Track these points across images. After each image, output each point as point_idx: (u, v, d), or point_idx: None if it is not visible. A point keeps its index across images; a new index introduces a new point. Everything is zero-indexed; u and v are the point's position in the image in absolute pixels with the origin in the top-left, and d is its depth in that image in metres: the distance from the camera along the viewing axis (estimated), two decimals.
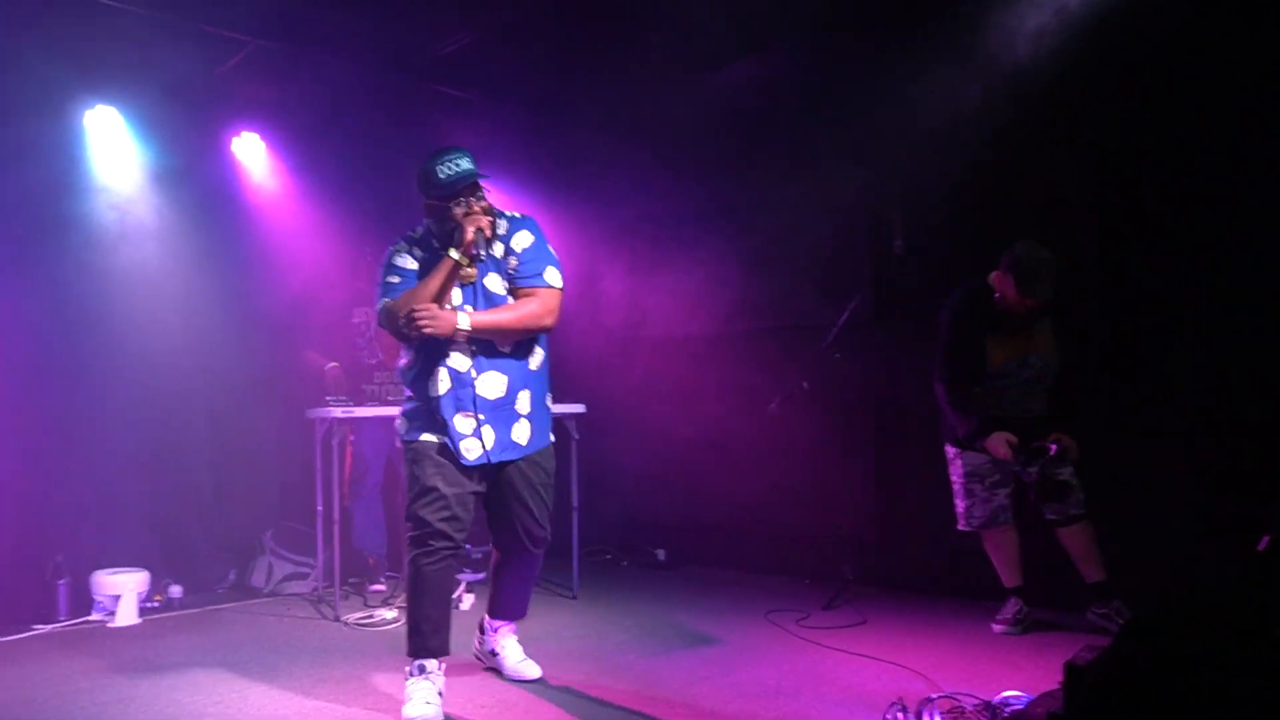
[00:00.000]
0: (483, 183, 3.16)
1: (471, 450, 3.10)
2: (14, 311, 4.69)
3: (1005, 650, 3.73)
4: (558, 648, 3.95)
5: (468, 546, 5.77)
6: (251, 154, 5.72)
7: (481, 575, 5.30)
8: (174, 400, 5.36)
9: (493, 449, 3.13)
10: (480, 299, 3.13)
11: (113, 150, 5.17)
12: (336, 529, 4.54)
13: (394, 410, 4.63)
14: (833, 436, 5.13)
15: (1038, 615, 4.04)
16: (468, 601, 4.76)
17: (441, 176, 3.06)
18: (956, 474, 4.09)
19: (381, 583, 5.17)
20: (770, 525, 5.53)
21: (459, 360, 3.10)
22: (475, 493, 3.16)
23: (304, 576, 5.26)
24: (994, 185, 4.54)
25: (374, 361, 5.17)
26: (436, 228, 3.16)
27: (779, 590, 5.00)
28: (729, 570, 5.63)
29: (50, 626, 4.51)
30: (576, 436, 4.92)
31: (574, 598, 4.94)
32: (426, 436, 3.12)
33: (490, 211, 3.15)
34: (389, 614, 4.53)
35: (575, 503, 4.97)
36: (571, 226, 6.20)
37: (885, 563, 4.97)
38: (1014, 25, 4.42)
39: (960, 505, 4.09)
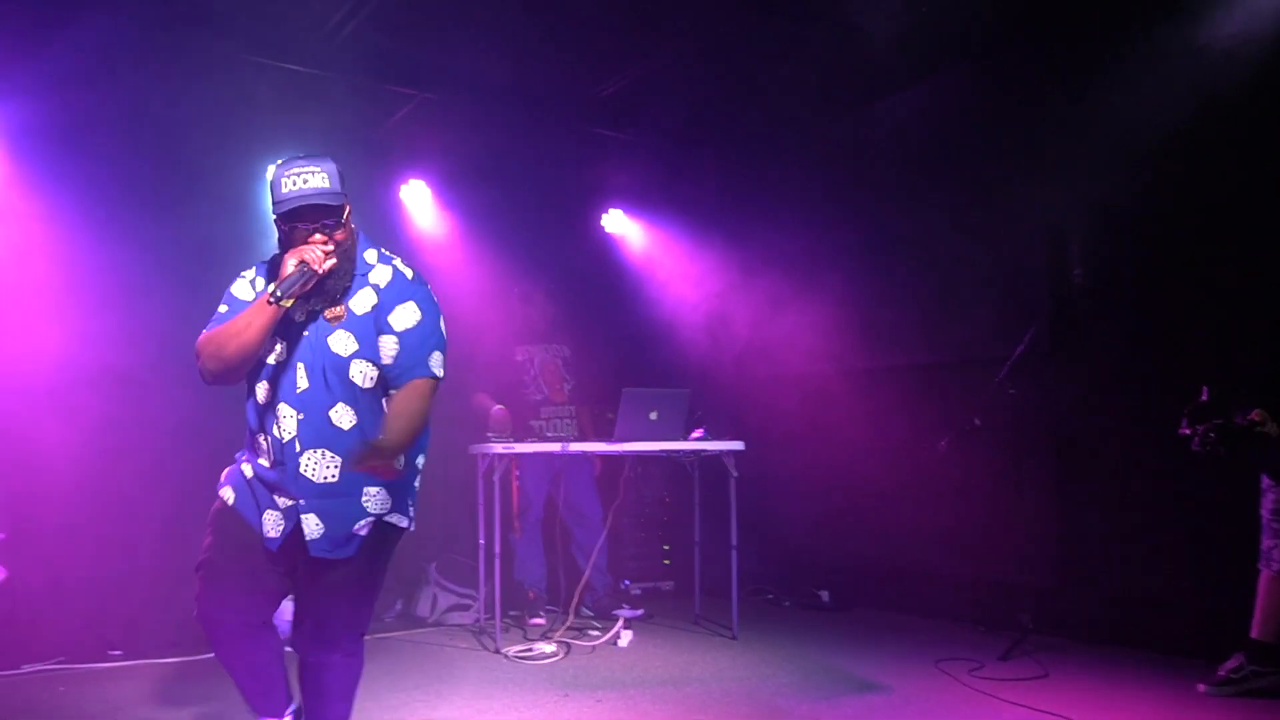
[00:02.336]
0: (340, 218, 2.45)
1: None
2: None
3: (1213, 715, 3.36)
4: (719, 689, 3.85)
5: (626, 582, 5.77)
6: (417, 200, 5.96)
7: (640, 612, 5.27)
8: None
9: None
10: (314, 355, 2.43)
11: None
12: (498, 562, 4.60)
13: (554, 446, 4.73)
14: (1008, 475, 4.83)
15: (1264, 683, 3.58)
16: (626, 638, 4.71)
17: (284, 190, 2.38)
18: (1267, 508, 3.68)
19: (541, 616, 5.20)
20: (941, 568, 5.25)
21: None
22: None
23: (466, 608, 5.35)
24: (1178, 208, 4.20)
25: (539, 398, 5.26)
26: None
27: (950, 637, 4.72)
28: (896, 614, 5.37)
29: None
30: (735, 474, 4.83)
31: (734, 638, 4.81)
32: None
33: (345, 253, 2.45)
34: (548, 648, 4.54)
35: (734, 541, 4.87)
36: (735, 261, 6.16)
37: (1068, 611, 4.61)
38: (1198, 36, 4.10)
39: (1265, 543, 3.65)
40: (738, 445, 4.85)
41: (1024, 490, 4.76)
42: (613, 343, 5.97)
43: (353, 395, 2.44)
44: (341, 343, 2.44)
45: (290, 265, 2.33)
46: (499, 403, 5.22)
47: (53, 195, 4.64)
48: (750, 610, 5.37)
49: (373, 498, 2.48)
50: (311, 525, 2.41)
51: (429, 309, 2.53)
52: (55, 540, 4.48)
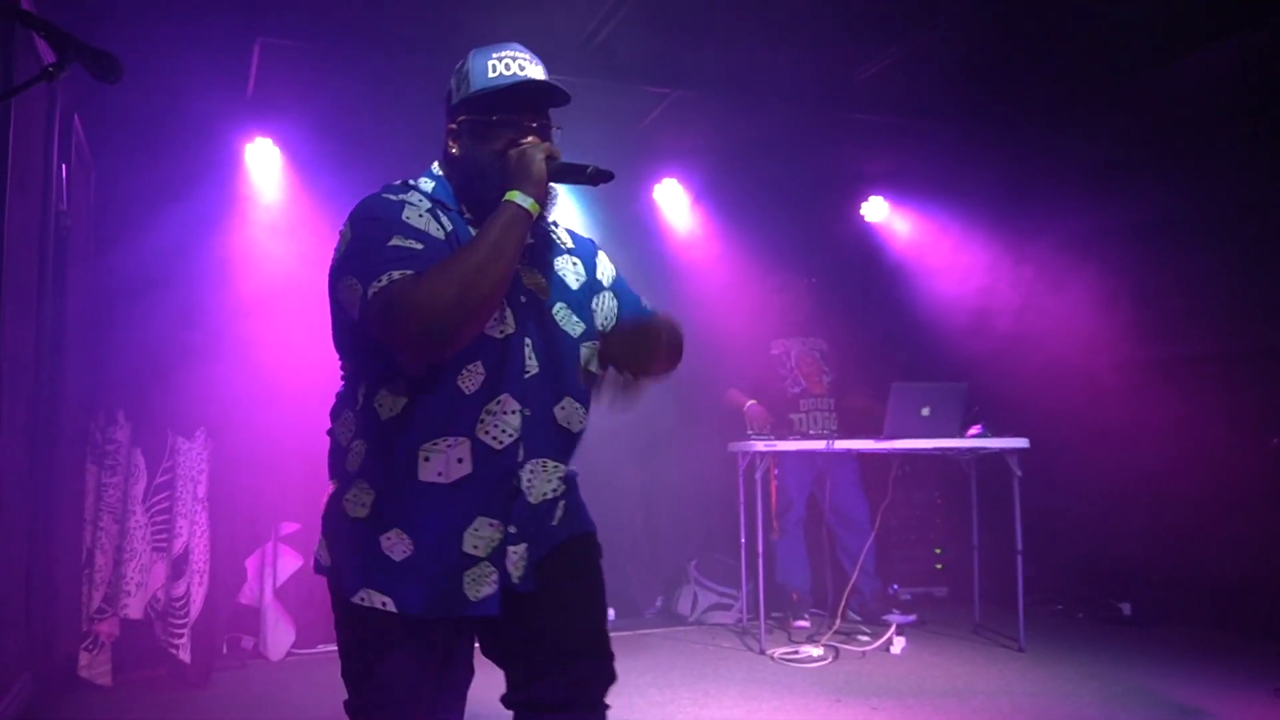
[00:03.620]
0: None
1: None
2: None
3: None
4: (1008, 704, 3.52)
5: (895, 586, 5.47)
6: (671, 199, 5.98)
7: (913, 618, 4.96)
8: (609, 436, 5.68)
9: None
10: (538, 337, 1.75)
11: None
12: (760, 562, 4.48)
13: (818, 444, 4.55)
14: None
15: None
16: (898, 645, 4.43)
17: (496, 73, 1.73)
18: None
19: (806, 619, 5.02)
20: (1271, 583, 4.54)
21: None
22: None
23: (727, 607, 5.27)
24: None
25: (797, 390, 5.12)
26: (462, 174, 1.77)
27: None
28: (1214, 632, 4.71)
29: None
30: (1019, 473, 4.46)
31: (1020, 650, 4.40)
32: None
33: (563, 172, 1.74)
34: (815, 651, 4.36)
35: (1019, 546, 4.47)
36: (1009, 244, 5.70)
37: None
38: None
39: None
40: (1022, 443, 4.45)
41: None
42: (874, 335, 5.68)
43: (581, 387, 1.81)
44: (567, 319, 1.81)
45: (538, 159, 1.66)
46: (753, 398, 5.11)
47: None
48: (1038, 621, 4.90)
49: (572, 509, 1.84)
50: (516, 566, 1.68)
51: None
52: None
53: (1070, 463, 5.42)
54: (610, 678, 1.78)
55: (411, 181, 1.77)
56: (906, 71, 5.27)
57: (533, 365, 1.72)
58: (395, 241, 1.59)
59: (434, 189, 1.76)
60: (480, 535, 1.65)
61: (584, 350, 1.82)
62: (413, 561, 1.62)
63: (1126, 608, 5.02)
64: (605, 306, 1.90)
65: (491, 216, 1.62)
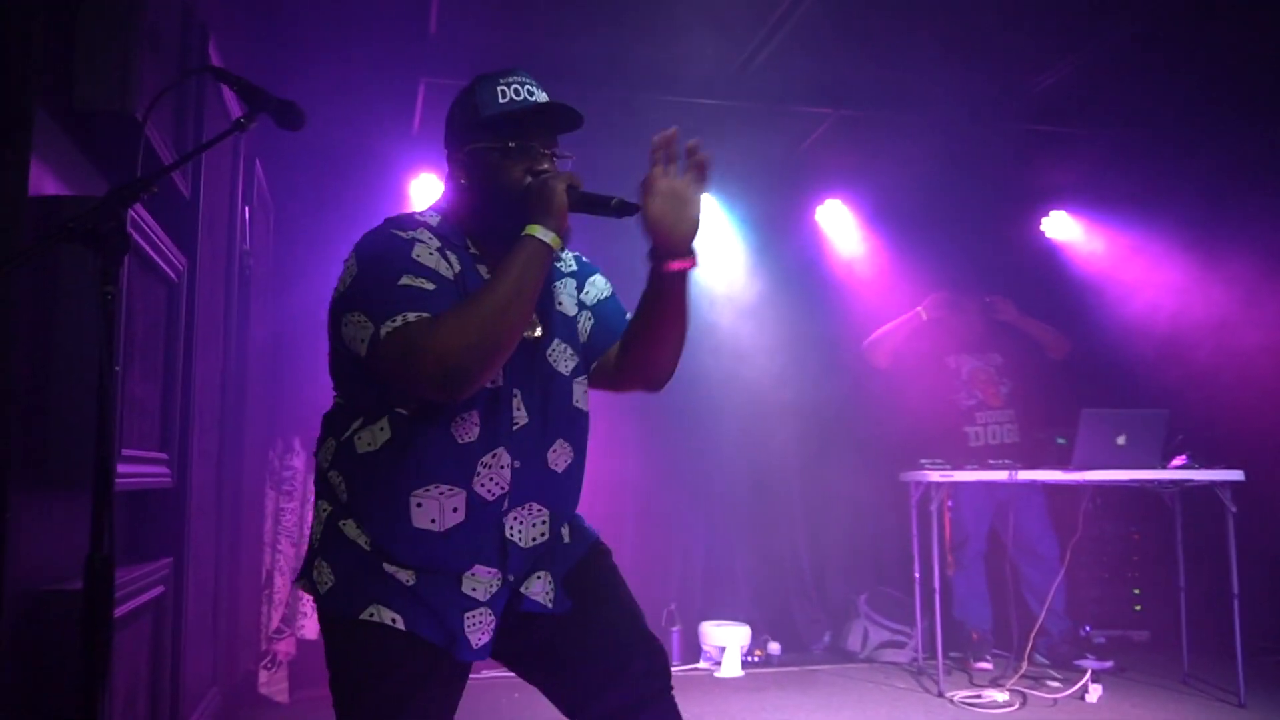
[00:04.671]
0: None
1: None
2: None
3: None
4: None
5: (1087, 628, 5.04)
6: (835, 220, 5.80)
7: (1110, 664, 4.55)
8: (773, 462, 5.54)
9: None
10: (528, 386, 1.69)
11: (712, 231, 5.58)
12: (937, 598, 4.22)
13: (999, 475, 4.24)
14: None
15: None
16: (1095, 693, 4.05)
17: (503, 101, 1.67)
18: None
19: (988, 660, 4.68)
20: None
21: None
22: None
23: (901, 645, 4.99)
24: None
25: (972, 402, 4.88)
26: (474, 206, 1.70)
27: None
28: None
29: None
30: (1234, 509, 4.03)
31: (1240, 705, 3.94)
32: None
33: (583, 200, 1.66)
34: (1000, 696, 4.04)
35: (1235, 589, 4.02)
36: (1211, 259, 5.19)
37: None
38: None
39: None
40: (1236, 475, 4.03)
41: None
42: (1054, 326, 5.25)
43: (571, 425, 1.75)
44: (561, 356, 1.74)
45: (560, 190, 1.60)
46: (923, 411, 4.87)
47: None
48: (1258, 672, 4.38)
49: (576, 527, 1.82)
50: (543, 594, 1.70)
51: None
52: None
53: None
54: (667, 666, 1.77)
55: (419, 217, 1.70)
56: (1086, 80, 4.93)
57: (521, 417, 1.68)
58: (406, 281, 1.54)
59: (439, 224, 1.69)
60: (479, 580, 1.64)
61: (576, 388, 1.77)
62: (418, 591, 1.60)
63: None
64: (583, 329, 1.82)
65: (511, 253, 1.56)
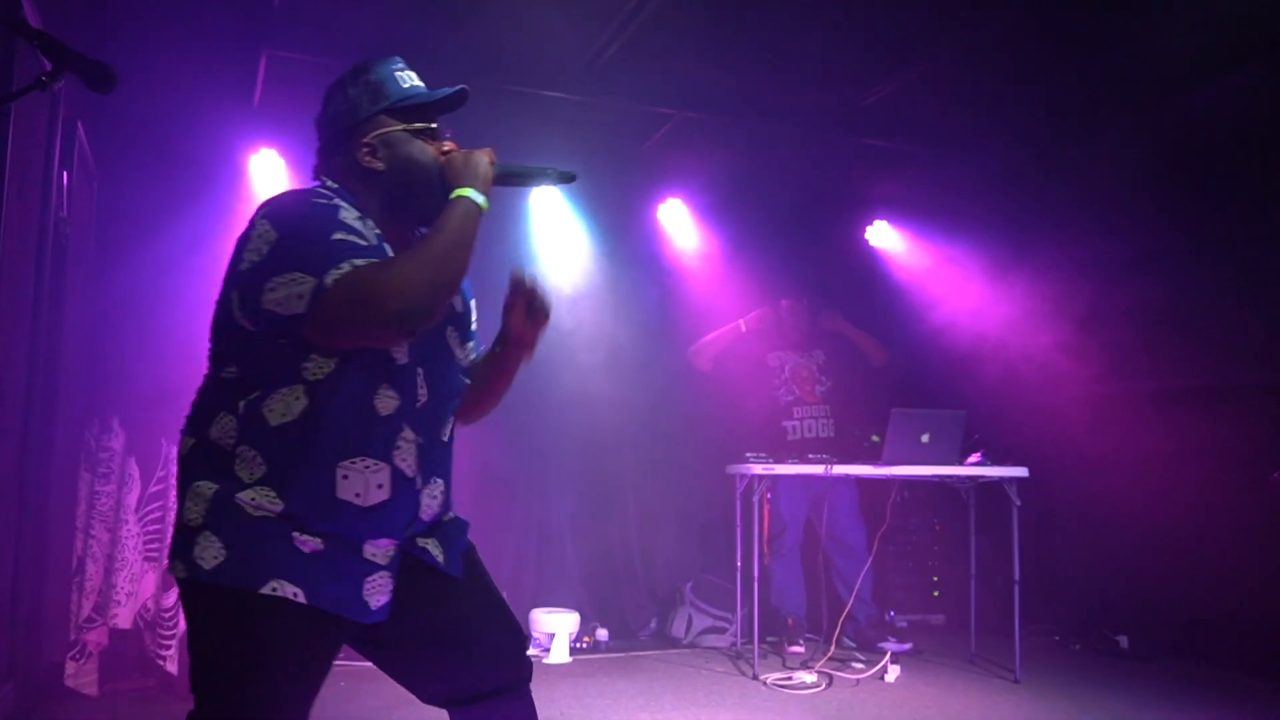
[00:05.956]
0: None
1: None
2: None
3: None
4: None
5: (892, 613, 5.42)
6: (675, 219, 5.98)
7: (909, 646, 4.92)
8: (606, 452, 5.66)
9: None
10: (429, 364, 1.76)
11: (556, 223, 5.67)
12: (756, 586, 4.45)
13: (816, 469, 4.51)
14: None
15: None
16: (893, 673, 4.39)
17: (413, 84, 1.79)
18: None
19: (800, 645, 4.97)
20: (1273, 620, 4.49)
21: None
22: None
23: (722, 631, 5.23)
24: None
25: (790, 398, 5.17)
26: (386, 186, 1.75)
27: None
28: (1215, 669, 4.64)
29: None
30: (1018, 503, 4.43)
31: (1016, 681, 4.35)
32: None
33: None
34: (809, 678, 4.31)
35: (1017, 576, 4.44)
36: (1013, 273, 5.67)
37: None
38: None
39: None
40: (1021, 472, 4.43)
41: None
42: (875, 336, 5.63)
43: (454, 403, 1.85)
44: (454, 340, 1.84)
45: (487, 158, 1.71)
46: (744, 405, 5.13)
47: None
48: (1034, 652, 4.84)
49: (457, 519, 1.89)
50: (434, 549, 1.77)
51: None
52: None
53: (1069, 493, 5.39)
54: (529, 660, 1.88)
55: (327, 190, 1.72)
56: (909, 98, 5.27)
57: (423, 394, 1.72)
58: (340, 236, 1.58)
59: (334, 191, 1.72)
60: (379, 547, 1.65)
61: (463, 381, 1.90)
62: (321, 557, 1.59)
63: (1124, 641, 4.97)
64: (469, 326, 1.93)
65: (444, 212, 1.63)
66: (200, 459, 1.62)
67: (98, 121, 4.24)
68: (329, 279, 1.51)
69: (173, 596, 3.99)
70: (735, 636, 5.01)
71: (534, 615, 5.01)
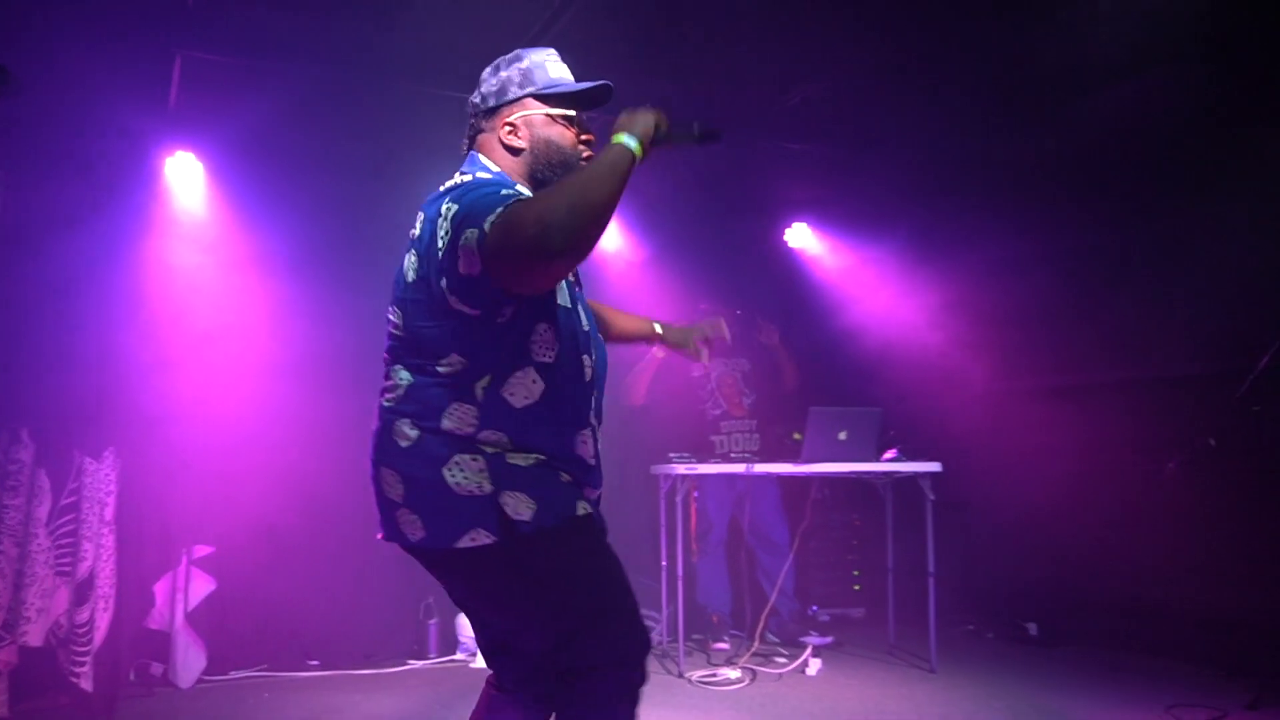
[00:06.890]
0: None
1: None
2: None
3: None
4: None
5: (814, 608, 5.56)
6: None
7: (830, 639, 5.05)
8: None
9: None
10: (596, 342, 1.99)
11: None
12: (681, 584, 4.52)
13: (738, 467, 4.60)
14: (1248, 503, 4.31)
15: None
16: (814, 666, 4.51)
17: (555, 76, 1.96)
18: None
19: (725, 641, 5.07)
20: (1168, 603, 4.73)
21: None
22: None
23: (649, 629, 5.28)
24: None
25: (718, 412, 5.20)
26: (534, 159, 1.92)
27: (1182, 680, 4.24)
28: (1114, 652, 4.88)
29: (422, 663, 4.87)
30: (932, 497, 4.57)
31: (932, 671, 4.51)
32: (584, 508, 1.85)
33: None
34: (733, 674, 4.41)
35: (931, 568, 4.59)
36: (925, 273, 5.87)
37: None
38: None
39: None
40: (935, 467, 4.58)
41: (1264, 518, 4.23)
42: (796, 359, 5.77)
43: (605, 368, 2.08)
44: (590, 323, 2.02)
45: (650, 116, 1.79)
46: (672, 419, 5.17)
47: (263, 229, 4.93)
48: (949, 642, 5.02)
49: None
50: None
51: None
52: (256, 551, 4.65)
53: (980, 487, 5.58)
54: None
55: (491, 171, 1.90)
56: (828, 102, 5.39)
57: (589, 370, 1.92)
58: (507, 193, 1.72)
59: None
60: (590, 497, 1.90)
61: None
62: (574, 484, 1.85)
63: (1033, 628, 5.19)
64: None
65: (600, 153, 1.74)
66: (437, 447, 1.75)
67: (5, 120, 4.09)
68: (487, 225, 1.64)
69: (86, 612, 3.89)
70: (661, 635, 5.08)
71: (460, 620, 5.01)
